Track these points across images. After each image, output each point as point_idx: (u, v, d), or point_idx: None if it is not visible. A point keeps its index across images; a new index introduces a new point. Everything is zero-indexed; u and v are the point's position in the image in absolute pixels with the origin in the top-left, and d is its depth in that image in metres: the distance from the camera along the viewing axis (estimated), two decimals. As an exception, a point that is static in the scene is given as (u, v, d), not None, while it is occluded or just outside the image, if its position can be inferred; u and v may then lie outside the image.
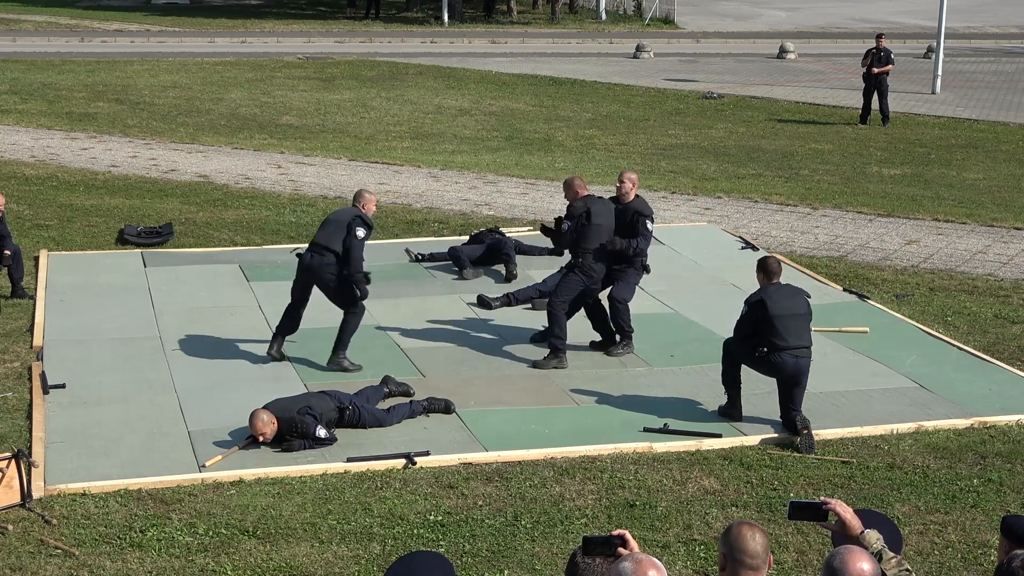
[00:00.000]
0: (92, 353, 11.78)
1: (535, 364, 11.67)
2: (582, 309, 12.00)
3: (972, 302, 13.85)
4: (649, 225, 11.90)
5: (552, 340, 11.72)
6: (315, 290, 11.60)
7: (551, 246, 15.11)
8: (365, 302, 11.52)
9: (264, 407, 9.86)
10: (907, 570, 5.04)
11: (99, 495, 8.96)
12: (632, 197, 12.00)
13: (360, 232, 11.26)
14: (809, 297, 10.43)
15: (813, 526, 8.11)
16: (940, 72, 29.59)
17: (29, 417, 10.28)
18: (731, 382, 10.48)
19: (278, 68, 32.47)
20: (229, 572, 8.04)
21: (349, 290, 11.42)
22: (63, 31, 39.90)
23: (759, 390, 10.73)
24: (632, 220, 11.82)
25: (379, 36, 40.01)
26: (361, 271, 11.34)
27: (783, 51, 36.13)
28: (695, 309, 13.34)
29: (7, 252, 13.22)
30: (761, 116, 26.64)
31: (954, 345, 12.37)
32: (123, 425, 10.18)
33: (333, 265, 11.35)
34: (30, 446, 9.64)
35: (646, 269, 12.17)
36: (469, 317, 12.98)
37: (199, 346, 11.94)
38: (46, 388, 10.79)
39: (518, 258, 14.76)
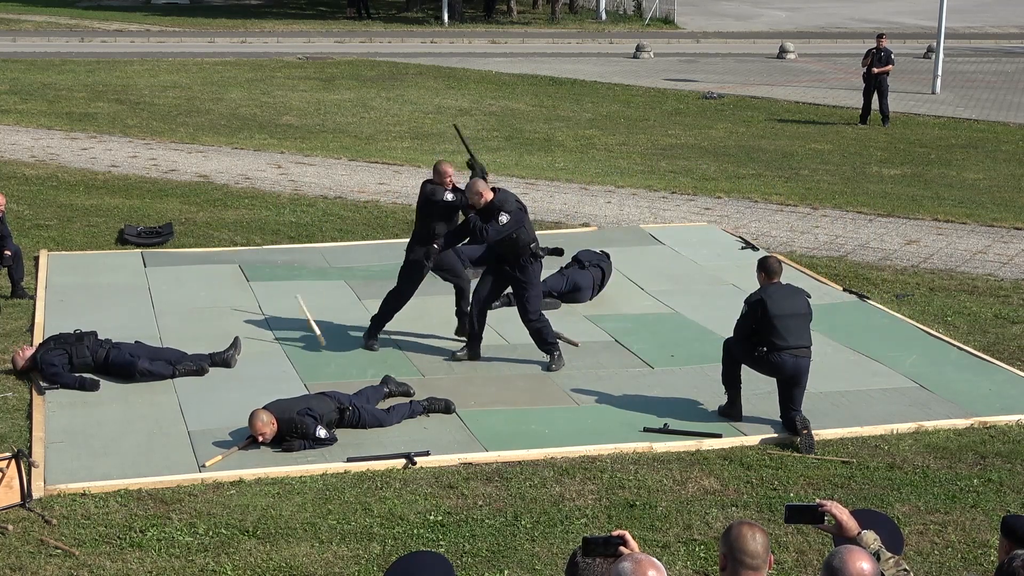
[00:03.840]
0: (92, 353, 11.77)
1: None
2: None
3: (972, 302, 13.84)
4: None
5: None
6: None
7: (551, 246, 15.11)
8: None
9: (264, 407, 9.86)
10: (905, 570, 5.05)
11: (99, 495, 8.96)
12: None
13: (448, 196, 11.78)
14: (809, 297, 10.43)
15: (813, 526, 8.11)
16: (940, 72, 29.58)
17: (29, 417, 10.29)
18: (731, 382, 10.47)
19: (278, 68, 32.46)
20: (229, 572, 8.04)
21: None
22: (63, 31, 39.89)
23: (759, 390, 10.73)
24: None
25: (379, 36, 40.01)
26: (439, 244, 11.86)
27: (783, 51, 36.12)
28: (695, 309, 13.33)
29: (7, 252, 13.21)
30: (761, 116, 26.64)
31: (954, 345, 12.36)
32: (123, 425, 10.18)
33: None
34: (30, 446, 9.64)
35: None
36: (469, 317, 12.97)
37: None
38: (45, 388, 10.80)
39: (518, 258, 14.71)
